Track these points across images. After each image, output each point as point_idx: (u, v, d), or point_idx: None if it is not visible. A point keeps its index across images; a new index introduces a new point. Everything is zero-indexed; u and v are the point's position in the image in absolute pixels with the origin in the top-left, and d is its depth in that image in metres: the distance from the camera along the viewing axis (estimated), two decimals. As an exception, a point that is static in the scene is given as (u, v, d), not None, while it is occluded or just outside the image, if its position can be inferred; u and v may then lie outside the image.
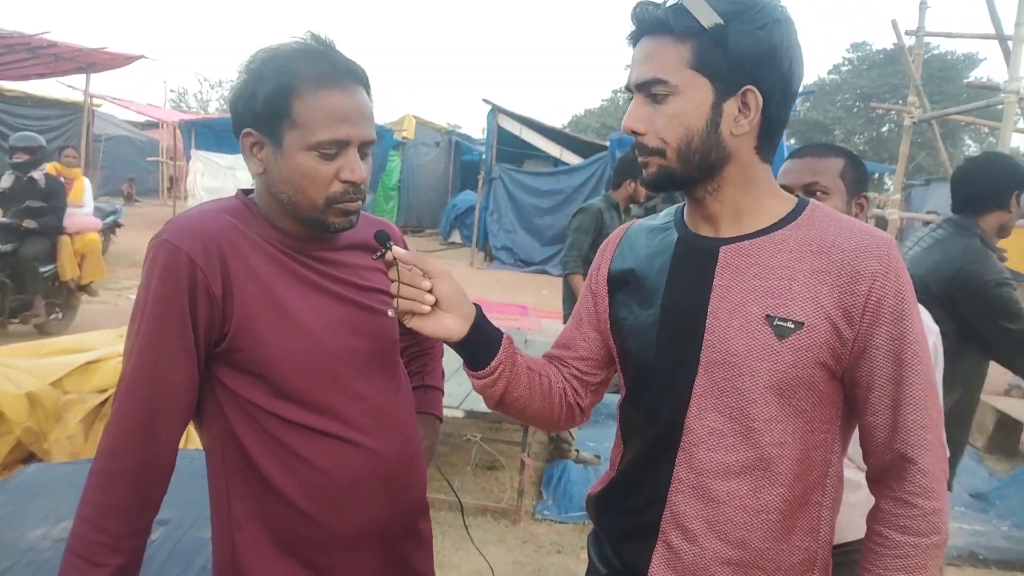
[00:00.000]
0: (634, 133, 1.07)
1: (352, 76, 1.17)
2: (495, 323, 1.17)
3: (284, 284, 1.18)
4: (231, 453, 1.19)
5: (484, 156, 14.89)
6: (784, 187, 1.61)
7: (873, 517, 1.05)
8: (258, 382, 1.16)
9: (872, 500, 1.07)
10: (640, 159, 1.09)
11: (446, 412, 3.55)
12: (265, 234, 1.20)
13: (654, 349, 1.11)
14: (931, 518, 0.99)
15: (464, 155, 21.27)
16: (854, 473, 1.39)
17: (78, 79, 12.22)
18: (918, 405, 1.00)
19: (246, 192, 1.27)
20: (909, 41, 7.14)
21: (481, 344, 1.14)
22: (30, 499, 1.99)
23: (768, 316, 1.02)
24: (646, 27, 1.04)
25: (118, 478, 1.11)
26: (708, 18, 0.98)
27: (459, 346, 1.14)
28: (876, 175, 21.45)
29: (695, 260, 1.10)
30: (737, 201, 1.09)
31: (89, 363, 3.77)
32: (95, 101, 15.09)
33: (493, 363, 1.14)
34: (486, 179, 14.38)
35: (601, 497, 1.23)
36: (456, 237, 17.62)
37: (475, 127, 20.65)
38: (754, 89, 1.02)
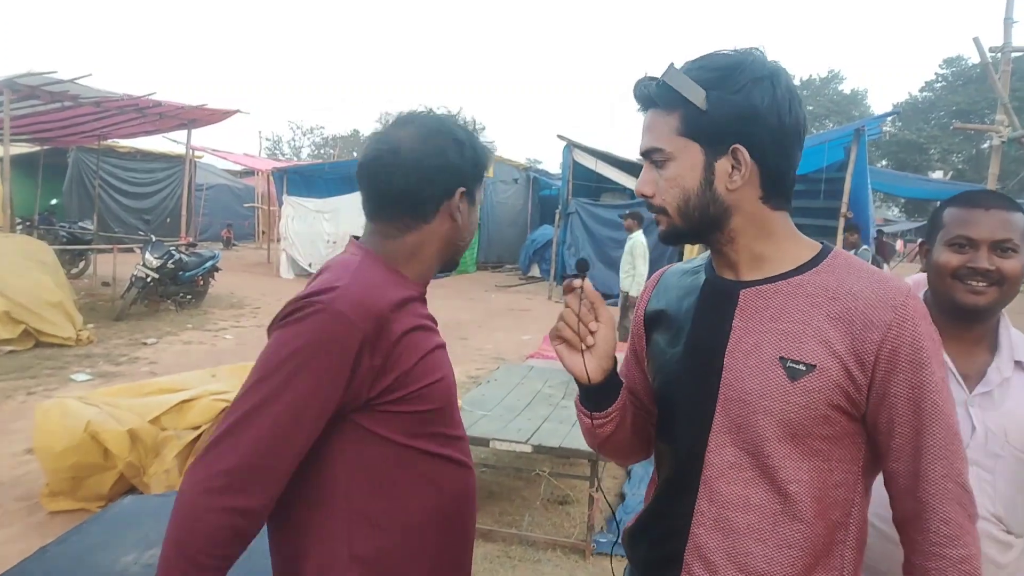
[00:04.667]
0: (643, 196, 1.16)
1: None
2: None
3: (423, 333, 1.30)
4: (355, 494, 1.24)
5: (561, 191, 15.06)
6: (967, 238, 1.46)
7: (905, 570, 1.08)
8: (401, 419, 1.25)
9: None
10: (654, 217, 1.18)
11: (516, 447, 3.65)
12: (405, 292, 1.29)
13: (677, 385, 1.18)
14: (961, 567, 1.01)
15: (543, 190, 21.51)
16: (1004, 535, 1.40)
17: (181, 134, 13.06)
18: (939, 455, 1.02)
19: (358, 240, 1.39)
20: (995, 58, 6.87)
21: (607, 392, 1.19)
22: (124, 528, 2.20)
23: (782, 358, 1.06)
24: (642, 102, 1.15)
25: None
26: (689, 91, 1.07)
27: (588, 388, 1.19)
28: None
29: (718, 302, 1.16)
30: (753, 248, 1.14)
31: (184, 402, 4.05)
32: (196, 153, 16.25)
33: (611, 408, 1.20)
34: (563, 214, 14.53)
35: (633, 530, 1.29)
36: (535, 271, 17.84)
37: (555, 162, 20.85)
38: (740, 147, 1.08)
